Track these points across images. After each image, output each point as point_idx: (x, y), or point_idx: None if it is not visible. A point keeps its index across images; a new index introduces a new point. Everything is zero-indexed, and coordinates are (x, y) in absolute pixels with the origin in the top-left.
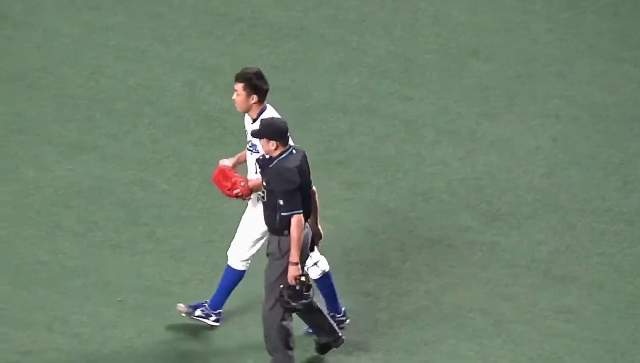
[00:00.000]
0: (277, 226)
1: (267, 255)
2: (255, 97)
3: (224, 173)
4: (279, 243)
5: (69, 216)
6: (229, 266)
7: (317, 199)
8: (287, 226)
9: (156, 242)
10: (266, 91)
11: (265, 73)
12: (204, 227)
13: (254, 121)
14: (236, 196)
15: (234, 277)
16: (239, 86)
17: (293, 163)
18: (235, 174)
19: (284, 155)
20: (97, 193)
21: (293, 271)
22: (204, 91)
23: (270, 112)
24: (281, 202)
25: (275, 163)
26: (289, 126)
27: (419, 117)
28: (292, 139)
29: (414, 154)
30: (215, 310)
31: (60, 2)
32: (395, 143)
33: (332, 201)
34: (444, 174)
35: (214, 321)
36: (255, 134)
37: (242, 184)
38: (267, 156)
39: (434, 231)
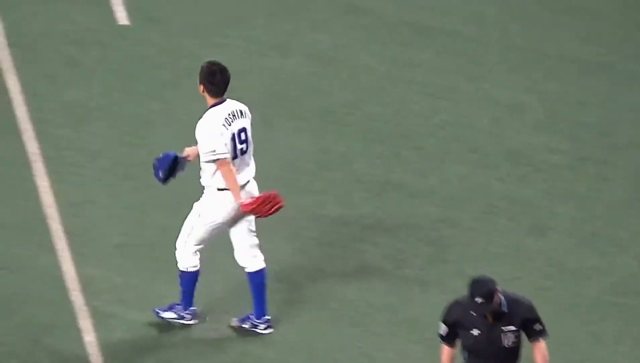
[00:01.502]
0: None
1: None
2: (201, 87)
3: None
4: None
5: (376, 253)
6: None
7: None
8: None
9: (463, 279)
10: (217, 87)
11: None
12: (511, 264)
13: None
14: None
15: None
16: None
17: (514, 294)
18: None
19: (501, 293)
20: (404, 230)
21: None
22: (510, 127)
23: (215, 112)
24: (539, 327)
25: (509, 303)
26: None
27: None
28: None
29: None
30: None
31: (368, 37)
32: None
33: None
34: None
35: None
36: (494, 312)
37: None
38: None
39: None
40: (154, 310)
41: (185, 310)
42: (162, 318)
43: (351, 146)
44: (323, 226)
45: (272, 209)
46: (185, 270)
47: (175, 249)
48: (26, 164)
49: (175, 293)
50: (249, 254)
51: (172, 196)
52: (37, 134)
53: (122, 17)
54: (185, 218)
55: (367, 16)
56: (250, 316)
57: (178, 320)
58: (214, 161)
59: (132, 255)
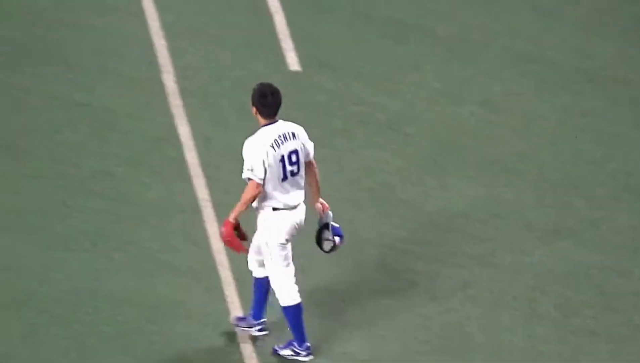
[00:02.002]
0: None
1: None
2: (254, 109)
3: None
4: None
5: (546, 302)
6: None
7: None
8: None
9: (634, 330)
10: (268, 109)
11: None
12: None
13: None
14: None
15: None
16: None
17: None
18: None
19: None
20: (574, 279)
21: None
22: None
23: (265, 132)
24: None
25: None
26: None
27: None
28: None
29: None
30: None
31: (540, 86)
32: None
33: None
34: None
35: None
36: None
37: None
38: None
39: None
40: (274, 349)
41: (300, 346)
42: (281, 355)
43: (522, 194)
44: (493, 274)
45: (233, 248)
46: (287, 305)
47: (275, 292)
48: (197, 210)
49: (355, 345)
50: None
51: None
52: (207, 180)
53: (293, 62)
54: None
55: (539, 64)
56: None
57: (295, 357)
58: (248, 178)
59: None
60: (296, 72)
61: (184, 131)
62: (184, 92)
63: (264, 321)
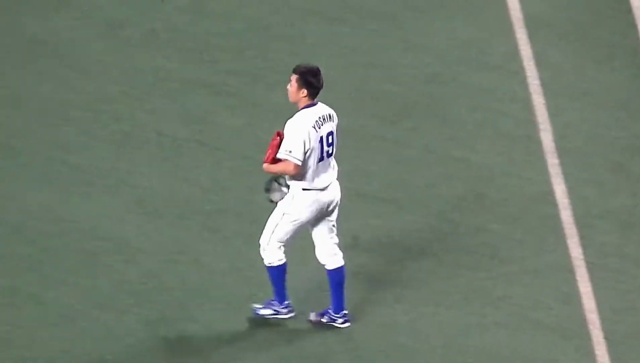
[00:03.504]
0: None
1: None
2: (305, 92)
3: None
4: None
5: None
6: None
7: None
8: None
9: None
10: (317, 89)
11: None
12: None
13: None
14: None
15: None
16: (294, 78)
17: None
18: (274, 145)
19: None
20: None
21: None
22: None
23: (308, 114)
24: None
25: None
26: None
27: None
28: None
29: None
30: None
31: None
32: None
33: None
34: None
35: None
36: None
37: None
38: None
39: None
40: (253, 309)
41: (281, 305)
42: (260, 315)
43: None
44: None
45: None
46: (272, 265)
47: (260, 247)
48: (569, 269)
49: None
50: (329, 252)
51: None
52: (581, 239)
53: None
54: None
55: None
56: (329, 310)
57: (275, 316)
58: (285, 159)
59: None
60: None
61: (560, 189)
62: (561, 151)
63: (346, 313)
